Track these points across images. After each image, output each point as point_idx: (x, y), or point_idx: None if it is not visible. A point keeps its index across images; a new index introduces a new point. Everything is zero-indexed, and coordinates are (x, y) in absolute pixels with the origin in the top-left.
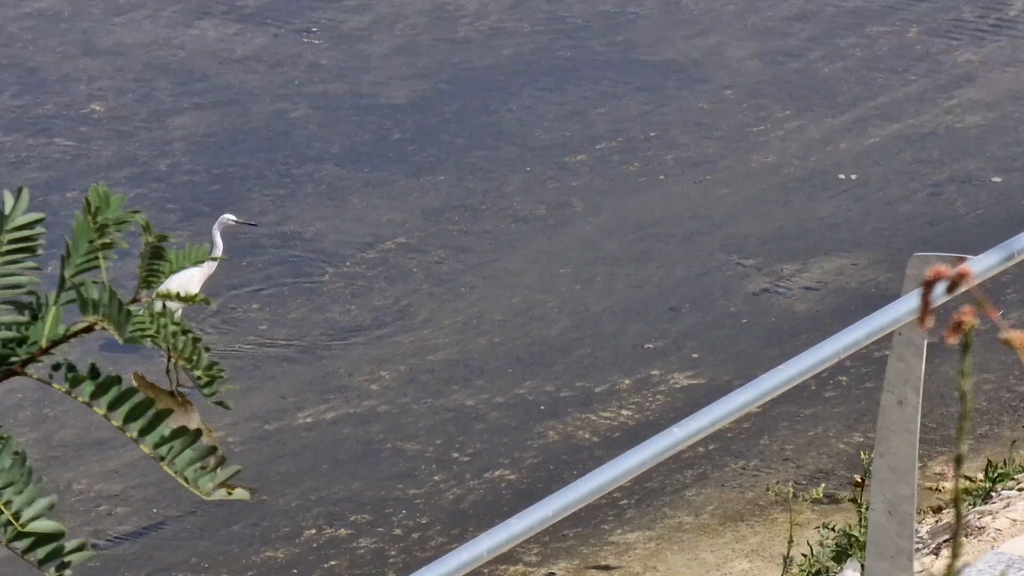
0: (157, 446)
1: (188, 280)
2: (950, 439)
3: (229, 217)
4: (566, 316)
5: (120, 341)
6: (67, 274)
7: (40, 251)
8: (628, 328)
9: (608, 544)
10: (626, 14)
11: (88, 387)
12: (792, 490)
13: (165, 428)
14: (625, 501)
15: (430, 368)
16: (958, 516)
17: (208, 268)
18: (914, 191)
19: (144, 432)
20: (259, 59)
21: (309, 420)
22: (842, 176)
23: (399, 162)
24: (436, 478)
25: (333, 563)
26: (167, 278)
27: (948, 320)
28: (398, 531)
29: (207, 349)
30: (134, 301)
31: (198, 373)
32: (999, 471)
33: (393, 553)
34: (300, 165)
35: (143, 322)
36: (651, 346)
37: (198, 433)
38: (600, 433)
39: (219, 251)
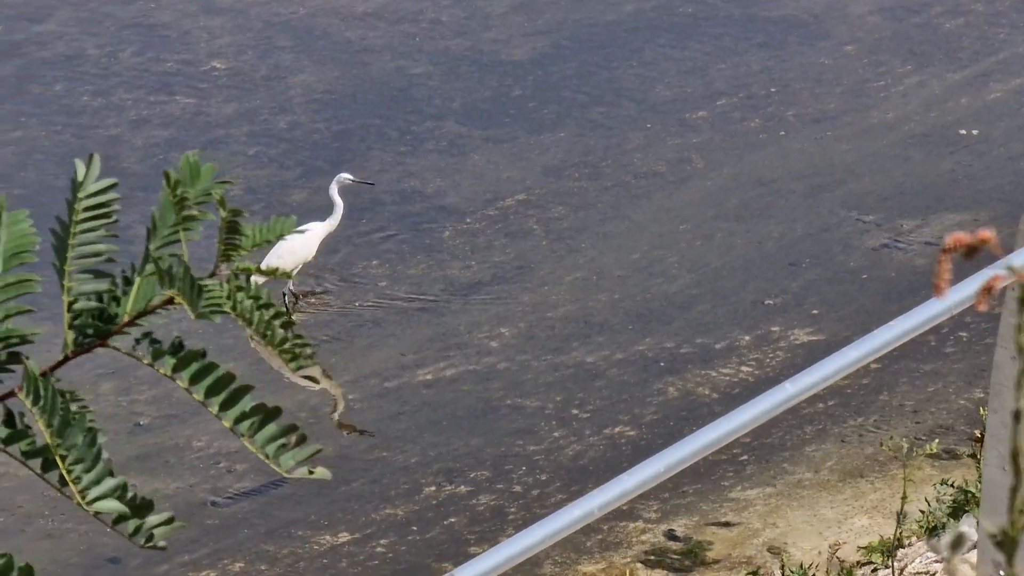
0: (238, 421)
1: (310, 240)
2: None
3: (346, 176)
4: (686, 272)
5: (192, 316)
6: (152, 247)
7: (116, 217)
8: (748, 284)
9: (728, 500)
10: None
11: (170, 361)
12: (906, 445)
13: (246, 403)
14: (745, 457)
15: (550, 325)
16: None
17: (329, 226)
18: None
19: (225, 406)
20: (380, 16)
21: (429, 377)
22: (963, 132)
23: (519, 119)
24: (555, 435)
25: (452, 520)
26: (278, 242)
27: None
28: (517, 488)
29: (290, 324)
30: (212, 275)
31: (280, 348)
32: None
33: (512, 510)
34: (420, 122)
35: (218, 297)
36: (771, 302)
37: (278, 410)
38: (720, 390)
39: (339, 209)
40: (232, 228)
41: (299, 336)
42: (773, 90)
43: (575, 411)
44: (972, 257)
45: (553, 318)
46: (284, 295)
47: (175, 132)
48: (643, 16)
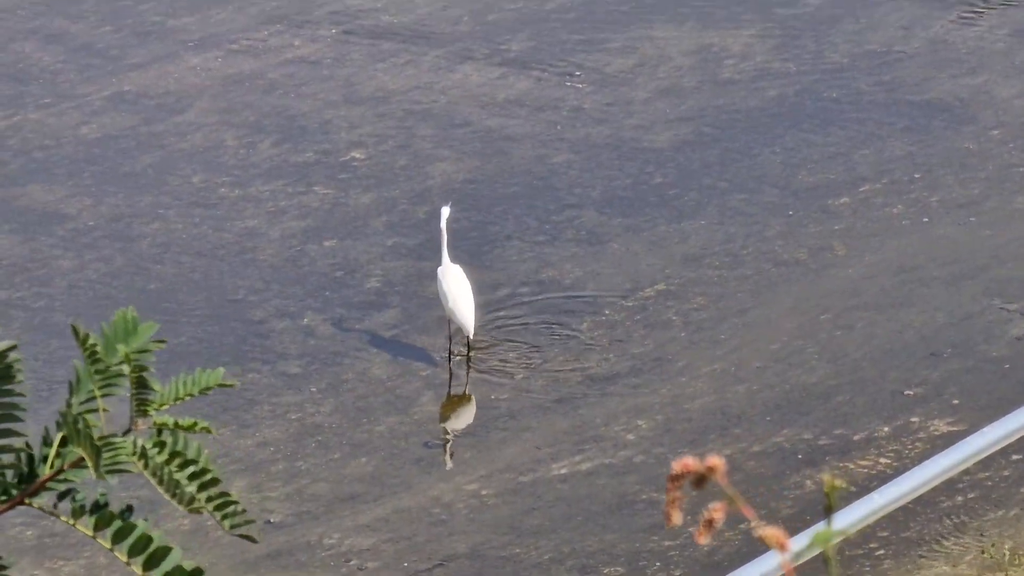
0: None
1: (461, 281)
2: None
3: (447, 208)
4: (825, 363)
5: (94, 476)
6: (75, 402)
7: (20, 376)
8: (888, 374)
9: None
10: (893, 53)
11: (90, 520)
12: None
13: (168, 564)
14: (881, 552)
15: (687, 417)
16: None
17: (448, 257)
18: None
19: (148, 566)
20: (521, 103)
21: (564, 471)
22: None
23: (660, 207)
24: (691, 529)
25: None
26: None
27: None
28: None
29: (215, 482)
30: (128, 432)
31: (190, 507)
32: None
33: None
34: (560, 211)
35: (123, 455)
36: (911, 392)
37: (199, 571)
38: (858, 482)
39: (445, 237)
40: (140, 384)
41: (226, 494)
42: (917, 175)
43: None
44: (701, 486)
45: (691, 410)
46: (468, 345)
47: (312, 223)
48: (785, 102)
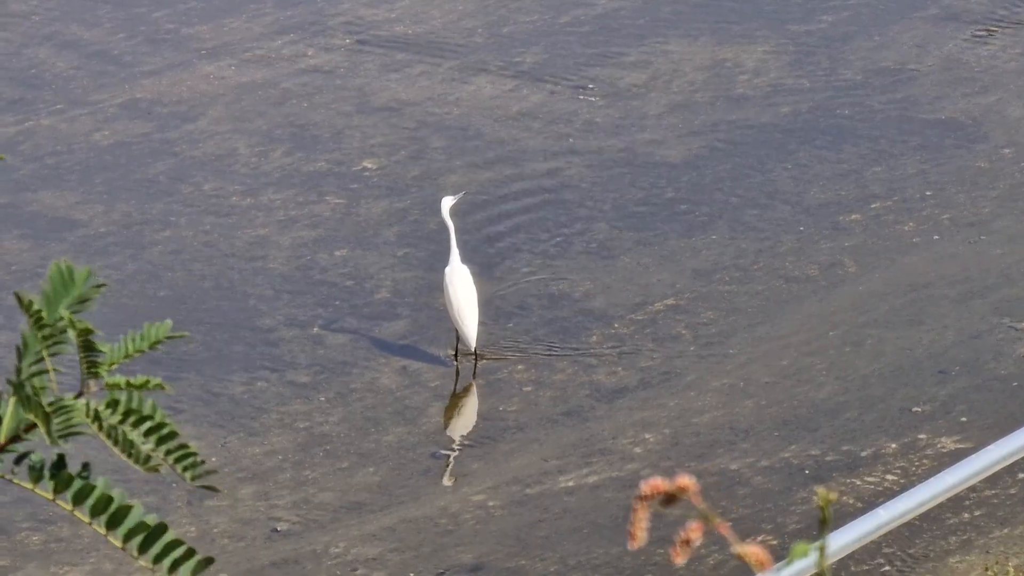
0: (127, 538)
1: (468, 284)
2: None
3: (449, 199)
4: (834, 379)
5: (48, 442)
6: (23, 370)
7: None
8: (896, 391)
9: None
10: (906, 71)
11: (50, 483)
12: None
13: (131, 520)
14: (887, 568)
15: (695, 431)
16: None
17: (456, 253)
18: None
19: (111, 525)
20: (534, 116)
21: (571, 484)
22: None
23: (671, 221)
24: (700, 541)
25: None
26: None
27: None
28: None
29: (173, 435)
30: (80, 395)
31: (147, 466)
32: None
33: None
34: (571, 224)
35: (77, 419)
36: (919, 410)
37: (163, 526)
38: (864, 499)
39: (452, 232)
40: (87, 346)
41: (184, 446)
42: (928, 193)
43: (717, 519)
44: (671, 505)
45: (699, 424)
46: (474, 355)
47: (323, 232)
48: (799, 118)
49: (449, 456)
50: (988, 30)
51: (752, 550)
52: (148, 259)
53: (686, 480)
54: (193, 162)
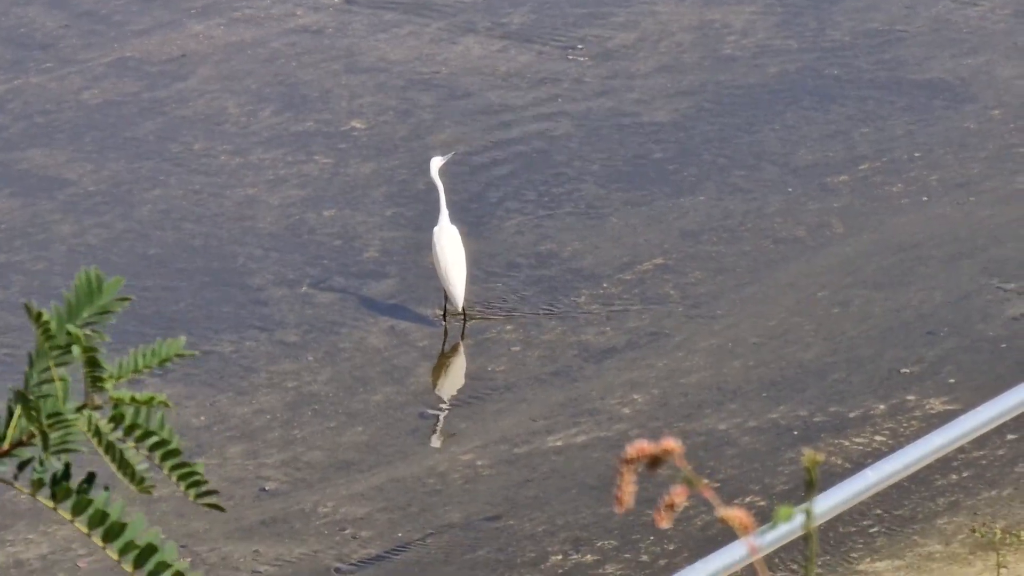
0: (122, 553)
1: (456, 243)
2: None
3: (438, 158)
4: (822, 340)
5: (43, 456)
6: (30, 378)
7: None
8: (884, 352)
9: (856, 573)
10: (894, 32)
11: (48, 492)
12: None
13: (128, 535)
14: (875, 529)
15: (683, 392)
16: None
17: (446, 213)
18: None
19: (107, 538)
20: (522, 76)
21: (559, 443)
22: None
23: (659, 182)
24: (685, 504)
25: None
26: None
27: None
28: (645, 557)
29: (176, 452)
30: (82, 407)
31: (141, 487)
32: None
33: None
34: (559, 184)
35: (75, 433)
36: (907, 371)
37: (153, 548)
38: (852, 459)
39: (442, 192)
40: (91, 363)
41: (188, 464)
42: (916, 154)
43: (705, 480)
44: (656, 468)
45: (687, 385)
46: (461, 314)
47: (312, 192)
48: (786, 79)
49: (437, 416)
50: None
51: (735, 514)
52: (137, 218)
53: (671, 442)
54: (182, 121)
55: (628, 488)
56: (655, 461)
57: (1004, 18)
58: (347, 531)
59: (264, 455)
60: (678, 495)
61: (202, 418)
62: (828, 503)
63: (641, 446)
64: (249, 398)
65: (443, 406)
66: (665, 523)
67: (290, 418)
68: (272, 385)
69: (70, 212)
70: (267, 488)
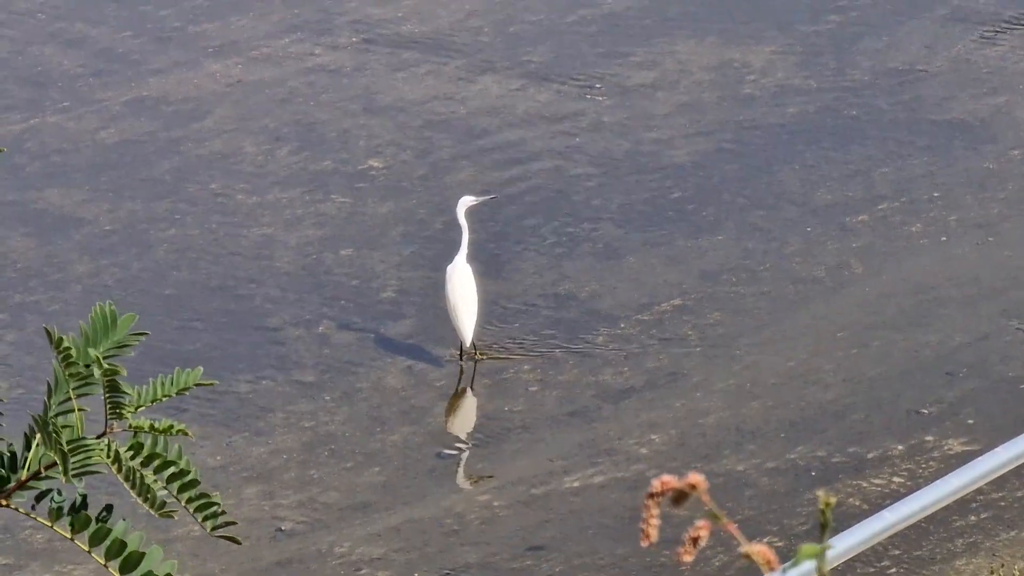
0: None
1: (468, 283)
2: None
3: (469, 198)
4: (841, 381)
5: (62, 480)
6: (50, 407)
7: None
8: (904, 393)
9: None
10: (914, 72)
11: (68, 521)
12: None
13: (144, 567)
14: (893, 570)
15: (701, 432)
16: None
17: (464, 252)
18: None
19: (124, 570)
20: (541, 115)
21: (576, 484)
22: None
23: (678, 222)
24: (704, 542)
25: None
26: None
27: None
28: None
29: (195, 483)
30: (103, 434)
31: (162, 512)
32: None
33: None
34: (578, 224)
35: (94, 458)
36: (926, 411)
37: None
38: (870, 500)
39: (465, 232)
40: (112, 387)
41: (206, 495)
42: (936, 194)
43: (725, 518)
44: (681, 503)
45: (705, 425)
46: (472, 353)
47: (329, 231)
48: (806, 118)
49: (455, 456)
50: (996, 31)
51: (759, 549)
52: (154, 258)
53: (696, 478)
54: (199, 161)
55: (654, 522)
56: (680, 496)
57: (1023, 59)
58: (363, 572)
59: (280, 496)
60: (702, 529)
61: (218, 458)
62: (846, 543)
63: (667, 480)
64: (266, 438)
65: (460, 446)
66: (688, 557)
67: (307, 458)
68: (289, 425)
69: (86, 252)
70: (283, 528)
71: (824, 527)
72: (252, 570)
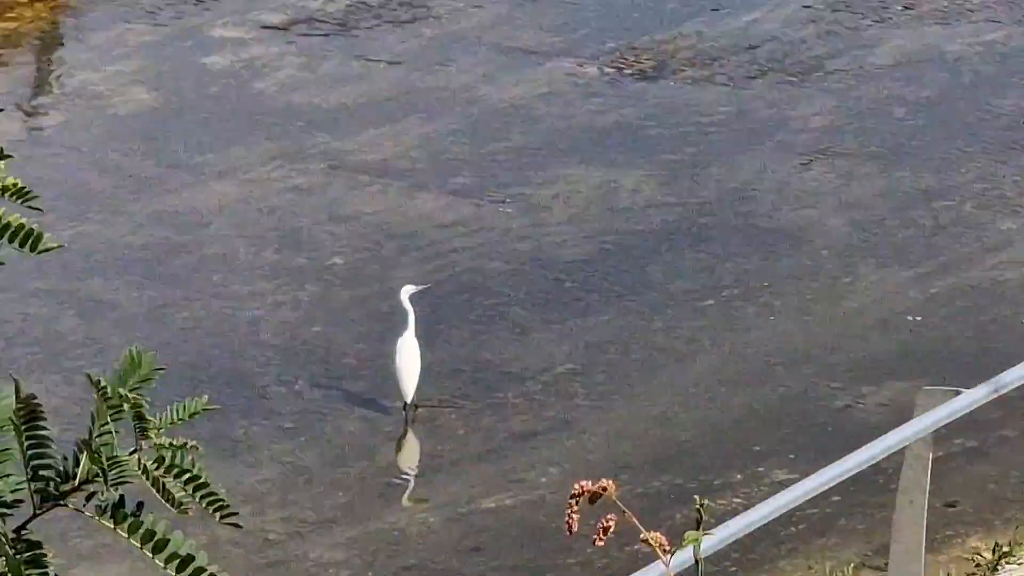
0: (168, 562)
1: (413, 353)
2: (983, 522)
3: (410, 287)
4: (694, 425)
5: (104, 488)
6: (93, 432)
7: (44, 417)
8: (742, 435)
9: None
10: (749, 191)
11: (109, 515)
12: (827, 568)
13: (172, 547)
14: (734, 569)
15: (588, 466)
16: None
17: (411, 331)
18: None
19: (156, 551)
20: (465, 224)
21: (492, 505)
22: (910, 318)
23: (570, 306)
24: (588, 551)
25: None
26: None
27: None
28: None
29: (204, 485)
30: (135, 451)
31: (180, 509)
32: (1003, 550)
33: None
34: (494, 307)
35: (129, 471)
36: (758, 448)
37: (191, 557)
38: (715, 515)
39: (411, 313)
40: (139, 417)
41: (215, 493)
42: (766, 284)
43: (628, 512)
44: (595, 502)
45: (591, 461)
46: (413, 407)
47: (304, 314)
48: (668, 225)
49: (400, 484)
50: (811, 159)
51: (656, 536)
52: (171, 333)
53: (606, 483)
54: (204, 259)
55: (575, 516)
56: (595, 496)
57: (831, 180)
58: (331, 571)
59: (267, 514)
60: (610, 520)
61: (221, 485)
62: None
63: (584, 484)
64: (255, 471)
65: (405, 476)
66: (600, 542)
67: (287, 485)
68: (273, 460)
69: (118, 328)
70: (270, 539)
71: (699, 523)
72: (246, 570)
